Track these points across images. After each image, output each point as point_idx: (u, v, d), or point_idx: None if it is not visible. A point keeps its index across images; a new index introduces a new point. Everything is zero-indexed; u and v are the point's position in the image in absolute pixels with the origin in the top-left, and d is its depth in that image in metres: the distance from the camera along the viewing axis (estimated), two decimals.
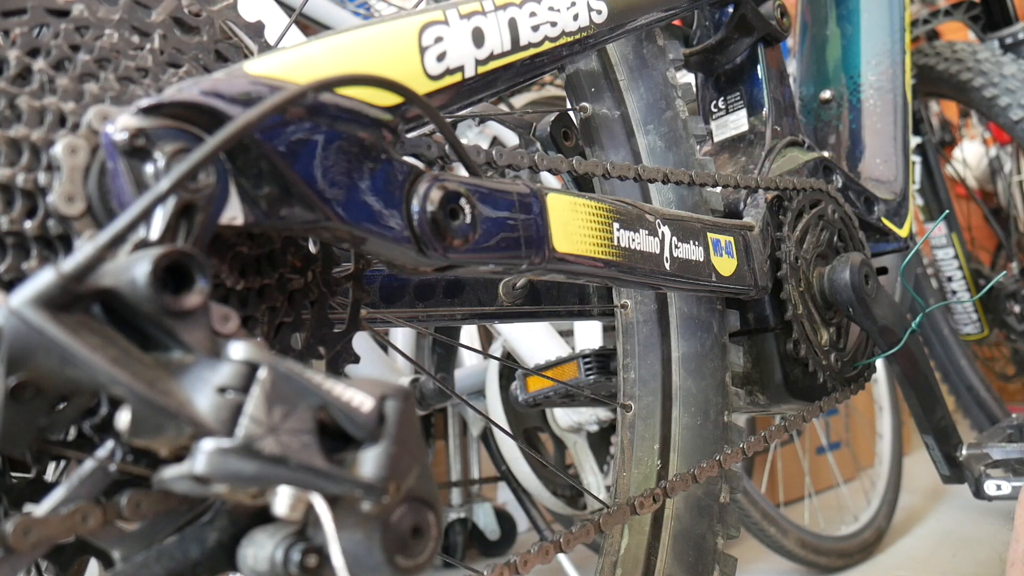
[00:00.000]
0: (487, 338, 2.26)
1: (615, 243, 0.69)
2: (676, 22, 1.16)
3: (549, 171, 0.73)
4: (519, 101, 2.54)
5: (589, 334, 1.71)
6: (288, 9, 1.41)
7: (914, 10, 2.10)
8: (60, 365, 0.36)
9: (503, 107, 2.43)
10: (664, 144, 0.97)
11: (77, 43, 0.48)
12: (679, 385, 0.95)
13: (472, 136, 2.34)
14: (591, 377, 1.11)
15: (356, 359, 0.61)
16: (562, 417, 1.79)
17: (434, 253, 0.55)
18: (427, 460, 0.43)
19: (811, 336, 0.97)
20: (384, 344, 1.79)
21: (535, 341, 1.60)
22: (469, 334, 2.22)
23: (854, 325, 1.03)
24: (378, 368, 1.71)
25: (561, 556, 1.72)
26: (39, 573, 0.75)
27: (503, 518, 2.39)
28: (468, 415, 2.28)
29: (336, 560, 0.38)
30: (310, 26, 1.75)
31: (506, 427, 1.83)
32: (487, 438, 2.17)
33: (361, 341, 1.63)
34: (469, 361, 2.11)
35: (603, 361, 1.12)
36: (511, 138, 2.28)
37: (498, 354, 1.88)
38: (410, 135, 0.59)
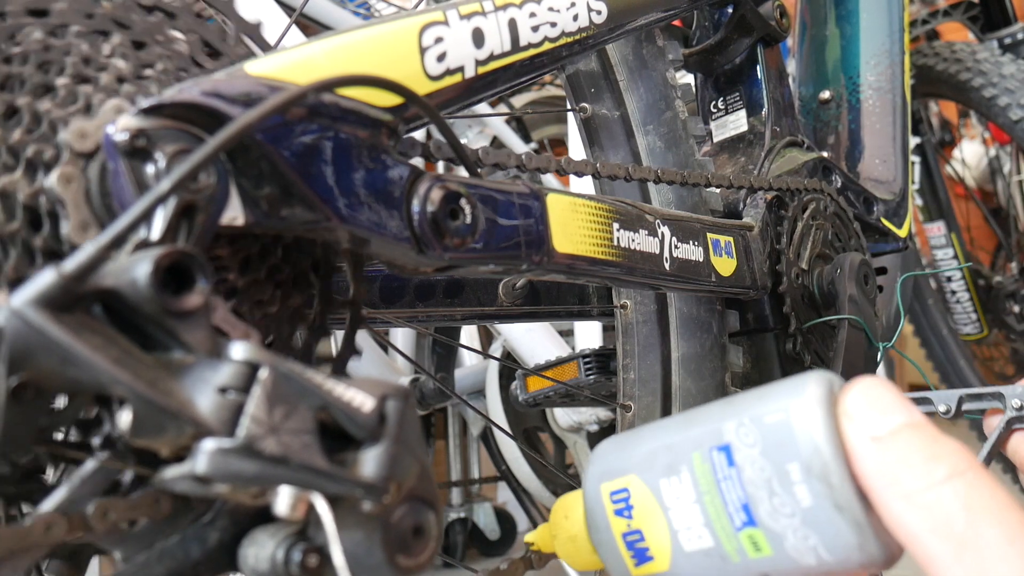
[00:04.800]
0: (487, 338, 2.26)
1: (615, 243, 0.69)
2: (676, 23, 1.16)
3: (576, 173, 0.73)
4: (519, 101, 2.54)
5: (589, 334, 1.71)
6: (288, 9, 1.41)
7: (913, 10, 2.10)
8: (61, 365, 0.36)
9: (503, 107, 2.43)
10: (664, 145, 0.97)
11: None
12: (679, 385, 0.95)
13: (472, 136, 2.35)
14: (591, 377, 1.12)
15: (358, 352, 0.61)
16: (562, 417, 1.79)
17: (434, 253, 0.55)
18: (428, 460, 0.43)
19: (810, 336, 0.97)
20: (384, 344, 1.79)
21: (535, 341, 1.61)
22: (469, 334, 2.23)
23: None
24: (378, 368, 1.72)
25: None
26: (39, 573, 0.75)
27: (503, 518, 2.40)
28: (468, 415, 2.29)
29: (337, 560, 0.39)
30: (310, 26, 1.75)
31: (506, 427, 1.83)
32: (487, 438, 2.18)
33: (361, 341, 1.62)
34: (469, 361, 2.11)
35: (603, 361, 1.12)
36: (510, 138, 2.29)
37: (498, 354, 1.88)
38: (410, 135, 0.60)
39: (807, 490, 0.39)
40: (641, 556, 0.46)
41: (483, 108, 2.08)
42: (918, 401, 0.71)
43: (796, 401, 0.41)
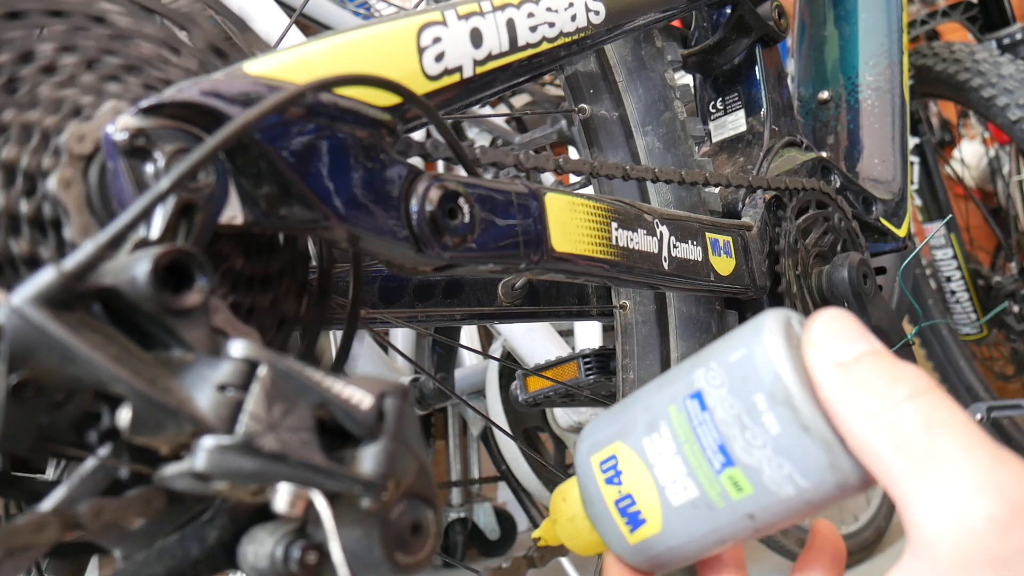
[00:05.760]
0: (487, 338, 2.26)
1: (613, 242, 0.69)
2: (677, 24, 1.16)
3: (573, 172, 0.73)
4: (519, 101, 2.54)
5: (589, 334, 1.71)
6: (289, 9, 1.41)
7: (913, 10, 2.11)
8: (61, 363, 0.36)
9: (503, 107, 2.43)
10: (663, 145, 0.97)
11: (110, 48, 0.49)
12: None
13: (472, 136, 2.35)
14: (591, 377, 1.12)
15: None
16: (562, 417, 1.79)
17: (432, 252, 0.55)
18: (426, 458, 0.43)
19: None
20: (384, 344, 1.79)
21: (535, 341, 1.61)
22: (469, 334, 2.23)
23: None
24: (378, 368, 1.72)
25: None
26: (39, 573, 0.75)
27: (503, 518, 2.40)
28: (468, 415, 2.29)
29: (336, 556, 0.39)
30: (311, 26, 1.76)
31: (506, 427, 1.83)
32: (487, 438, 2.18)
33: (361, 341, 1.63)
34: (469, 361, 2.11)
35: (603, 361, 1.12)
36: (511, 138, 2.29)
37: (498, 354, 1.89)
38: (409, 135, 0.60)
39: (774, 417, 0.41)
40: (634, 520, 0.47)
41: (485, 108, 2.08)
42: None
43: (755, 336, 0.42)
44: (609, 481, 0.48)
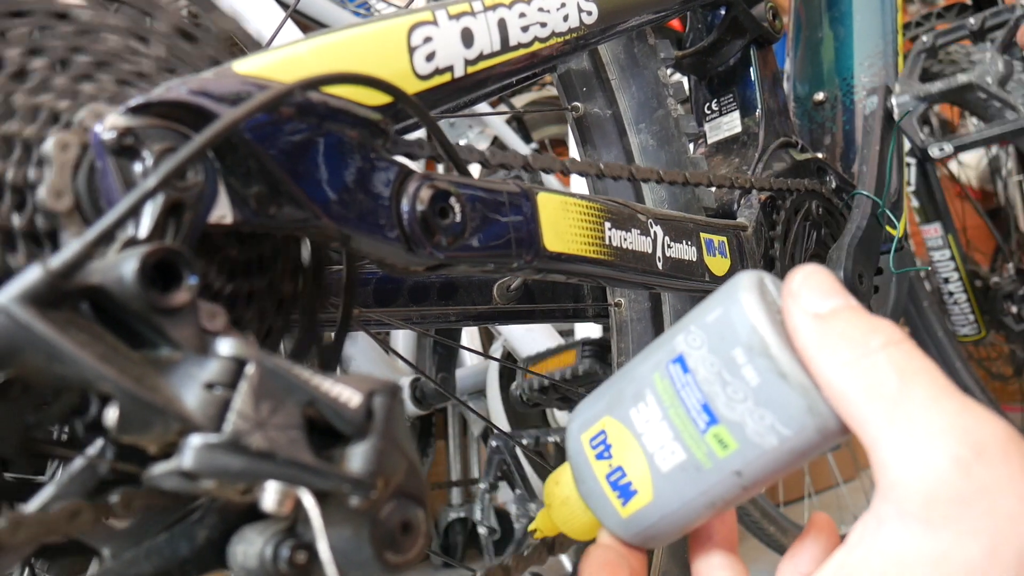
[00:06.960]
0: (488, 338, 2.26)
1: (606, 242, 0.69)
2: (678, 26, 1.16)
3: (542, 171, 0.73)
4: (520, 101, 2.54)
5: (589, 333, 1.71)
6: (287, 8, 1.41)
7: (912, 10, 2.10)
8: (48, 362, 0.36)
9: (503, 107, 2.43)
10: (656, 143, 0.97)
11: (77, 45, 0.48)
12: None
13: (472, 136, 2.35)
14: (587, 361, 1.13)
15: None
16: (562, 417, 1.79)
17: (424, 252, 0.55)
18: (416, 456, 0.43)
19: None
20: (385, 345, 1.79)
21: (535, 341, 1.61)
22: (470, 334, 2.23)
23: None
24: (379, 368, 1.72)
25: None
26: (32, 573, 0.75)
27: (503, 518, 2.39)
28: (469, 415, 2.29)
29: (323, 554, 0.39)
30: (311, 26, 1.75)
31: (506, 427, 1.83)
32: (487, 438, 2.18)
33: (363, 341, 1.63)
34: (470, 361, 2.11)
35: (601, 351, 1.14)
36: (511, 139, 2.29)
37: (498, 354, 1.89)
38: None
39: (752, 369, 0.42)
40: (626, 493, 0.47)
41: (483, 108, 2.08)
42: None
43: (730, 295, 0.44)
44: (599, 456, 0.48)
